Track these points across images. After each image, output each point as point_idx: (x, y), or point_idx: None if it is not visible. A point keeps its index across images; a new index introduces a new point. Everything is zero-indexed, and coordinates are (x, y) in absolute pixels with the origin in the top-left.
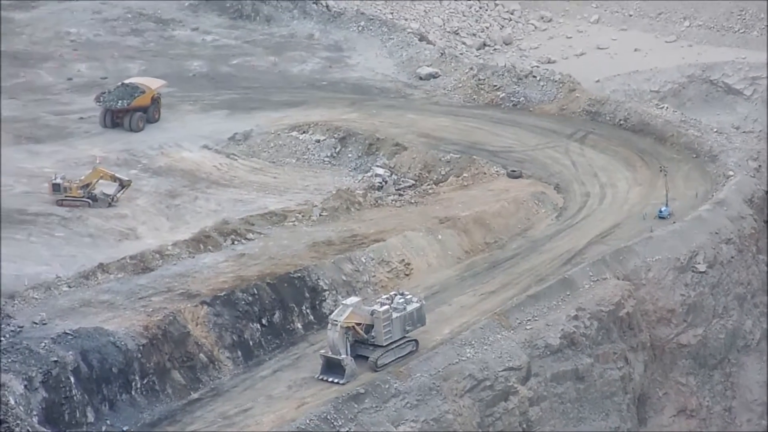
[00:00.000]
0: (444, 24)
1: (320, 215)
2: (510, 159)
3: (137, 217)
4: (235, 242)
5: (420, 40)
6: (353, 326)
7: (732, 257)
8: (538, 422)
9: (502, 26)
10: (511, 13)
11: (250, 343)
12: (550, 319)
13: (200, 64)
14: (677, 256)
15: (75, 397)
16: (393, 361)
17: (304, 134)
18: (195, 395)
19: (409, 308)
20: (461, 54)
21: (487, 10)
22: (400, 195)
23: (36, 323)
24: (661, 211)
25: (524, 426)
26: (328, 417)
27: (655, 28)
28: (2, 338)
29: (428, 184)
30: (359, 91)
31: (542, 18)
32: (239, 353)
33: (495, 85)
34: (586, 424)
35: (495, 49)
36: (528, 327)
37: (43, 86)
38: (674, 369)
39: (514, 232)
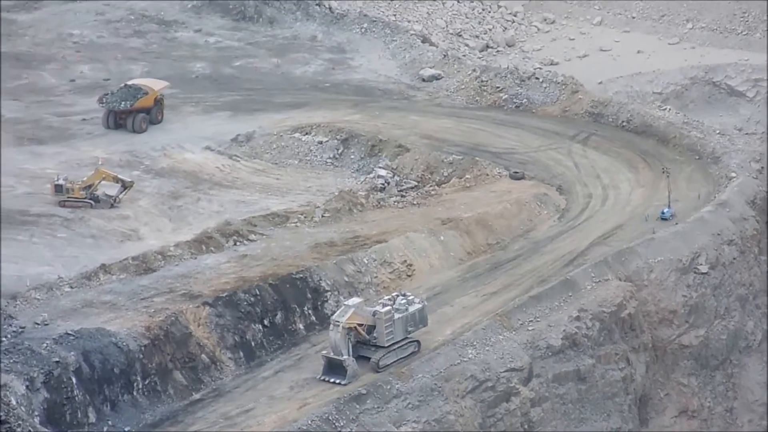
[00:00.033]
0: (447, 26)
1: (322, 216)
2: (512, 160)
3: (139, 218)
4: (237, 243)
5: (423, 41)
6: (355, 327)
7: (734, 258)
8: (539, 423)
9: (505, 28)
10: (514, 15)
11: (252, 343)
12: (551, 320)
13: (203, 65)
14: (679, 257)
15: (76, 398)
16: (395, 361)
17: (306, 136)
18: (197, 396)
19: (411, 309)
20: (464, 56)
21: (489, 12)
22: (402, 196)
23: (38, 324)
24: (663, 213)
25: (526, 427)
26: (330, 418)
27: (658, 30)
28: (4, 339)
29: (431, 186)
30: (362, 93)
31: (545, 20)
32: (241, 354)
33: (498, 87)
34: (588, 424)
35: (498, 51)
36: (530, 328)
37: (45, 88)
38: (676, 370)
39: (516, 234)
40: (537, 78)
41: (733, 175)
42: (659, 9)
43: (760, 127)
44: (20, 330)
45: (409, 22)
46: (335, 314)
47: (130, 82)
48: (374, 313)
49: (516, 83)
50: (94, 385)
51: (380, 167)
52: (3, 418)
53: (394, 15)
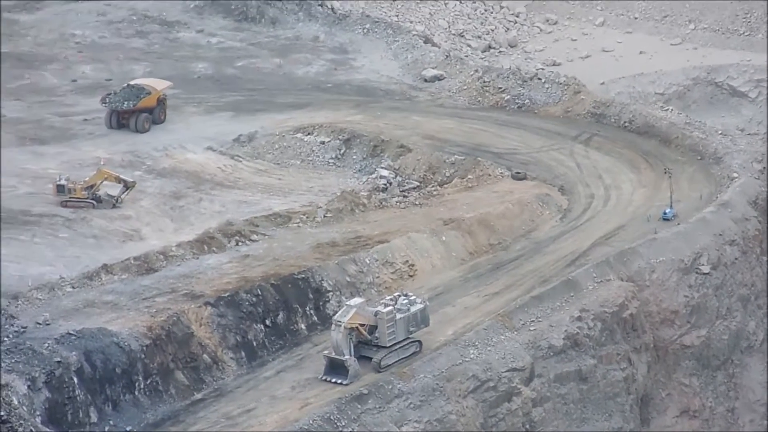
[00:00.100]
0: (449, 26)
1: (324, 216)
2: (515, 161)
3: (141, 219)
4: (239, 243)
5: (425, 42)
6: (357, 327)
7: (736, 259)
8: (541, 423)
9: (508, 29)
10: (517, 16)
11: (254, 343)
12: (553, 320)
13: (205, 66)
14: (681, 257)
15: (78, 398)
16: (396, 361)
17: (308, 136)
18: (198, 396)
19: (413, 309)
20: (466, 56)
21: (492, 13)
22: (404, 196)
23: (39, 324)
24: (665, 213)
25: (527, 427)
26: (332, 417)
27: (660, 31)
28: (6, 338)
29: (433, 186)
30: (364, 93)
31: (547, 20)
32: (243, 354)
33: (500, 88)
34: (589, 424)
35: (500, 52)
36: (531, 328)
37: (47, 88)
38: (677, 370)
39: (518, 234)
40: (539, 79)
41: (735, 175)
42: (661, 10)
43: (762, 127)
44: (22, 330)
45: (411, 22)
46: (337, 314)
47: (132, 82)
48: (376, 313)
49: (518, 84)
50: (96, 385)
51: (382, 167)
52: (5, 417)
53: (397, 15)
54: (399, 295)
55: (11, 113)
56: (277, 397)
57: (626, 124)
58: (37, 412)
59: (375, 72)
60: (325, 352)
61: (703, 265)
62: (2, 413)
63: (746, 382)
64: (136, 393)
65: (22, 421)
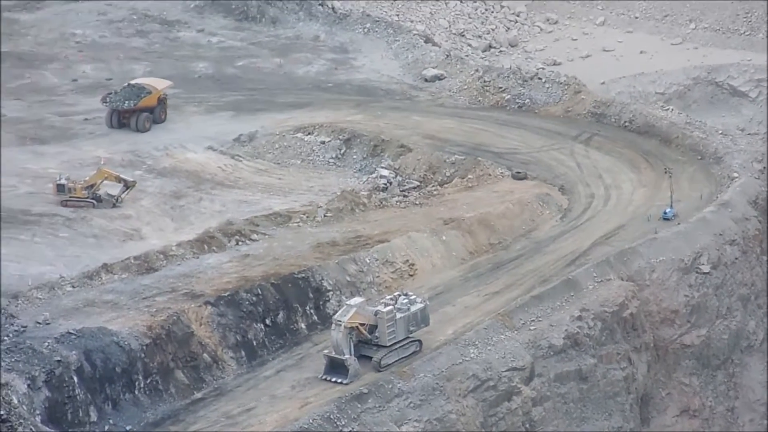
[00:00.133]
0: (450, 26)
1: (325, 216)
2: (515, 161)
3: (141, 218)
4: (240, 243)
5: (425, 42)
6: (357, 326)
7: (736, 258)
8: (541, 422)
9: (508, 28)
10: (517, 15)
11: (254, 343)
12: (553, 320)
13: (205, 65)
14: (681, 257)
15: (78, 397)
16: (396, 361)
17: (309, 136)
18: (198, 395)
19: (413, 309)
20: (467, 56)
21: (492, 12)
22: (404, 196)
23: (39, 323)
24: (665, 213)
25: (527, 426)
26: (332, 417)
27: (660, 31)
28: (6, 338)
29: (433, 186)
30: (364, 93)
31: (548, 20)
32: (243, 353)
33: (500, 87)
34: (589, 424)
35: (500, 51)
36: (532, 327)
37: (48, 87)
38: (677, 369)
39: (518, 234)
40: (540, 78)
41: (736, 175)
42: (662, 9)
43: (762, 127)
44: (22, 329)
45: (411, 22)
46: (337, 314)
47: (133, 82)
48: (376, 313)
49: (519, 83)
50: (96, 384)
51: (382, 167)
52: (4, 416)
53: (397, 15)
54: (399, 295)
55: (11, 113)
56: (277, 396)
57: (627, 124)
58: (37, 411)
59: (375, 71)
60: (325, 351)
61: (703, 264)
62: (2, 412)
63: (746, 381)
64: (136, 392)
65: (21, 420)
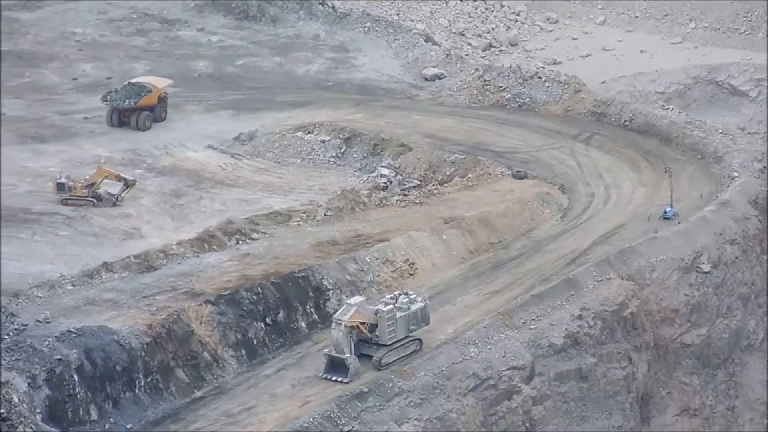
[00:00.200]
0: (450, 25)
1: (325, 215)
2: (515, 160)
3: (142, 217)
4: (240, 242)
5: (426, 41)
6: (357, 325)
7: (736, 258)
8: (541, 421)
9: (508, 27)
10: (517, 15)
11: (254, 341)
12: (554, 319)
13: (205, 64)
14: (681, 256)
15: (78, 395)
16: (397, 360)
17: (309, 134)
18: (199, 393)
19: (414, 308)
20: (467, 55)
21: (493, 12)
22: (404, 195)
23: (40, 321)
24: (665, 212)
25: (527, 425)
26: (332, 415)
27: (660, 30)
28: (6, 336)
29: (433, 185)
30: (364, 92)
31: (548, 19)
32: (243, 352)
33: (500, 86)
34: (590, 423)
35: (501, 51)
36: (532, 326)
37: (48, 86)
38: (678, 368)
39: (518, 233)
40: (540, 77)
41: (736, 174)
42: (662, 9)
43: (762, 126)
44: (22, 328)
45: (412, 21)
46: (337, 312)
47: (134, 80)
48: (376, 312)
49: (519, 82)
50: (96, 383)
51: (383, 166)
52: (5, 415)
53: (397, 14)
54: (399, 294)
55: (12, 111)
56: (277, 395)
57: (627, 123)
58: (38, 410)
59: (375, 70)
60: (326, 350)
61: (703, 263)
62: (2, 411)
63: (746, 380)
64: (137, 391)
65: (22, 419)
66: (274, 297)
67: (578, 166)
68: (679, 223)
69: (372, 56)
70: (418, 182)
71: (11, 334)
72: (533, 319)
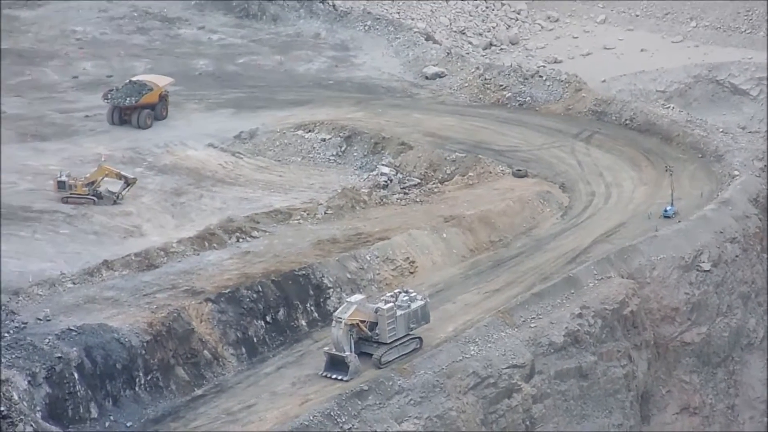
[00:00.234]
0: (450, 24)
1: (325, 213)
2: (515, 158)
3: (142, 215)
4: (240, 240)
5: (426, 39)
6: (357, 323)
7: (736, 256)
8: (541, 419)
9: (509, 26)
10: (518, 13)
11: (254, 340)
12: (554, 317)
13: (206, 62)
14: (682, 255)
15: (79, 393)
16: (397, 358)
17: (309, 133)
18: (199, 391)
19: (414, 306)
20: (467, 53)
21: (493, 10)
22: (405, 194)
23: (40, 319)
24: (666, 211)
25: (527, 423)
26: (332, 413)
27: (661, 29)
28: (6, 334)
29: (433, 183)
30: (365, 90)
31: (549, 18)
32: (243, 350)
33: (501, 85)
34: (590, 421)
35: (501, 49)
36: (532, 325)
37: (48, 84)
38: (678, 367)
39: (519, 231)
40: (540, 76)
41: (736, 173)
42: (663, 7)
43: (763, 125)
44: (22, 325)
45: (412, 19)
46: (337, 311)
47: (135, 78)
48: (376, 310)
49: (519, 81)
50: (96, 381)
51: (383, 164)
52: (5, 412)
53: (398, 13)
54: (399, 292)
55: (12, 110)
56: (277, 393)
57: (627, 122)
58: (38, 408)
59: (376, 69)
60: (326, 348)
61: (703, 262)
62: (2, 408)
63: (746, 379)
64: (137, 389)
65: (22, 416)
66: (275, 295)
67: (579, 164)
68: (679, 221)
69: (373, 55)
70: (419, 181)
71: (11, 332)
72: (533, 318)
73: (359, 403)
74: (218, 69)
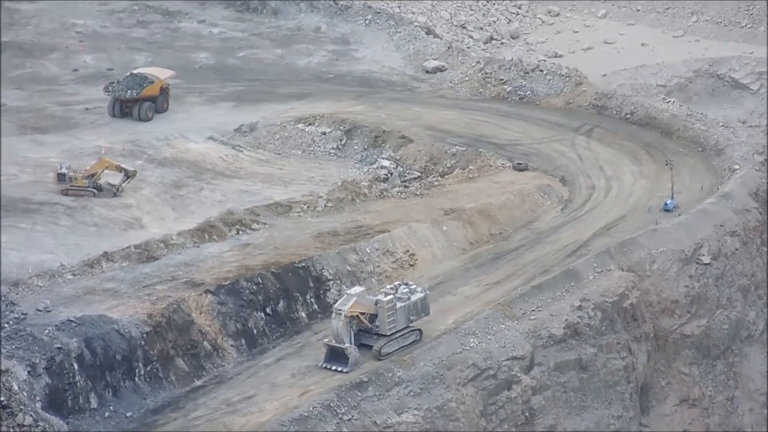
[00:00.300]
0: (451, 18)
1: (325, 206)
2: (516, 152)
3: (142, 207)
4: (240, 232)
5: (427, 33)
6: (357, 315)
7: (736, 249)
8: (541, 411)
9: (510, 20)
10: (519, 8)
11: (254, 331)
12: (554, 310)
13: (207, 56)
14: (682, 248)
15: (78, 384)
16: (397, 350)
17: (310, 126)
18: (198, 382)
19: (413, 298)
20: (468, 48)
21: (494, 4)
22: (405, 187)
23: (40, 310)
24: (666, 204)
25: (527, 415)
26: (332, 405)
27: (662, 23)
28: (6, 325)
29: (434, 177)
30: (366, 84)
31: (549, 12)
32: (243, 341)
33: (501, 79)
34: (589, 413)
35: (502, 43)
36: (532, 317)
37: (48, 77)
38: (677, 359)
39: (519, 224)
40: (541, 70)
41: (737, 167)
42: (664, 2)
43: (763, 119)
44: (22, 316)
45: (413, 13)
46: (337, 303)
47: (136, 71)
48: (376, 302)
49: (520, 75)
50: (96, 371)
51: (383, 158)
52: (5, 403)
53: (399, 7)
54: (399, 284)
55: (12, 102)
56: (277, 384)
57: (628, 116)
58: (38, 398)
59: (377, 63)
60: (326, 340)
61: (703, 255)
62: (2, 398)
63: (746, 371)
64: (137, 379)
65: (22, 407)
66: (274, 287)
67: (579, 158)
68: (679, 215)
69: (373, 48)
70: (419, 174)
71: (11, 322)
72: (533, 310)
73: (359, 394)
74: (219, 62)
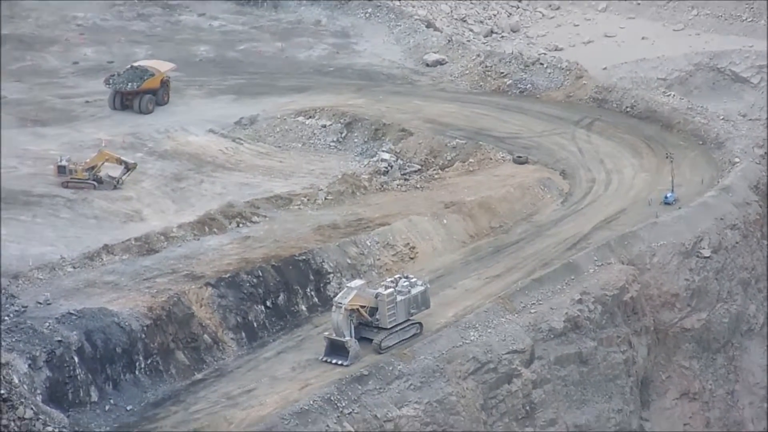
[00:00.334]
0: (451, 11)
1: (325, 199)
2: (516, 145)
3: (142, 200)
4: (240, 225)
5: (427, 26)
6: (357, 309)
7: (737, 243)
8: (541, 404)
9: (510, 14)
10: (519, 1)
11: (255, 324)
12: (554, 303)
13: (207, 49)
14: (682, 241)
15: (79, 377)
16: (397, 343)
17: (310, 119)
18: (199, 376)
19: (414, 291)
20: (468, 41)
21: None
22: (405, 180)
23: (40, 303)
24: (666, 197)
25: (527, 408)
26: (332, 398)
27: (662, 17)
28: (6, 318)
29: (434, 170)
30: (366, 77)
31: (550, 6)
32: (243, 334)
33: (502, 72)
34: (589, 406)
35: (502, 37)
36: (532, 311)
37: (49, 70)
38: (677, 353)
39: (519, 217)
40: (541, 63)
41: (737, 160)
42: None
43: (763, 113)
44: (23, 309)
45: (413, 7)
46: (338, 296)
47: (136, 64)
48: (377, 295)
49: (520, 69)
50: (97, 364)
51: (383, 151)
52: (5, 396)
53: (399, 0)
54: (400, 277)
55: (12, 95)
56: (277, 377)
57: (628, 109)
58: (38, 391)
59: (377, 56)
60: (326, 333)
61: (703, 248)
62: (3, 391)
63: (746, 365)
64: (137, 372)
65: (22, 400)
66: (275, 280)
67: (579, 151)
68: (680, 208)
69: (373, 42)
70: (419, 167)
71: (12, 315)
72: (533, 303)
73: (359, 387)
74: (219, 55)
